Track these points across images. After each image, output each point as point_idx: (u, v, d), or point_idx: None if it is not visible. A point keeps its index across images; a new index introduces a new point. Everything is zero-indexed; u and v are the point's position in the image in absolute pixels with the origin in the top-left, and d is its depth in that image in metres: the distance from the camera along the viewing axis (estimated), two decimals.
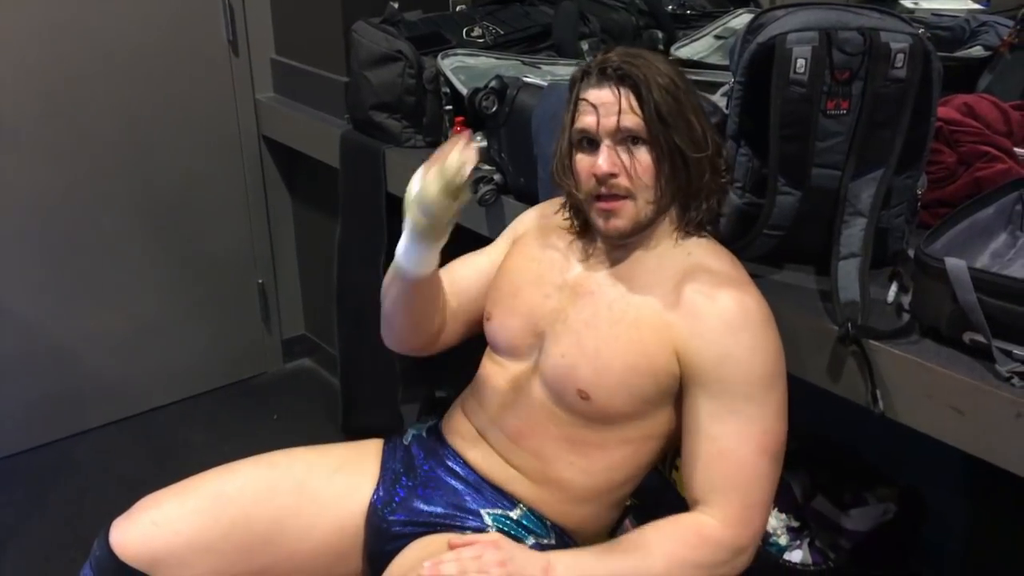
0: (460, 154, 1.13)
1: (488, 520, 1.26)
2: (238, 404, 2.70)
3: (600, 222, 1.19)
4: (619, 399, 1.20)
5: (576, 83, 1.20)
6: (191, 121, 2.47)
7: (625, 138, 1.15)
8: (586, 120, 1.17)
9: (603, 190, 1.16)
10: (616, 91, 1.14)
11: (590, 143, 1.18)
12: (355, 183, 2.11)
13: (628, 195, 1.16)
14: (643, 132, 1.14)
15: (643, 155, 1.15)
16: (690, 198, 1.20)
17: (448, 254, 1.43)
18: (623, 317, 1.19)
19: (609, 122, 1.15)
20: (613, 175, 1.15)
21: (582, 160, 1.19)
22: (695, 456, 1.16)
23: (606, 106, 1.15)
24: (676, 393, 1.20)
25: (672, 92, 1.14)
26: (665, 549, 1.14)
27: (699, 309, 1.15)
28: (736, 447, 1.14)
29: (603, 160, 1.15)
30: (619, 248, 1.24)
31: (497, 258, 1.38)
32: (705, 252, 1.21)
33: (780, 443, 1.17)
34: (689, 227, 1.22)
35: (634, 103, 1.14)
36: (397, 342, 1.40)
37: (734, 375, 1.14)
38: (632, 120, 1.14)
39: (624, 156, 1.15)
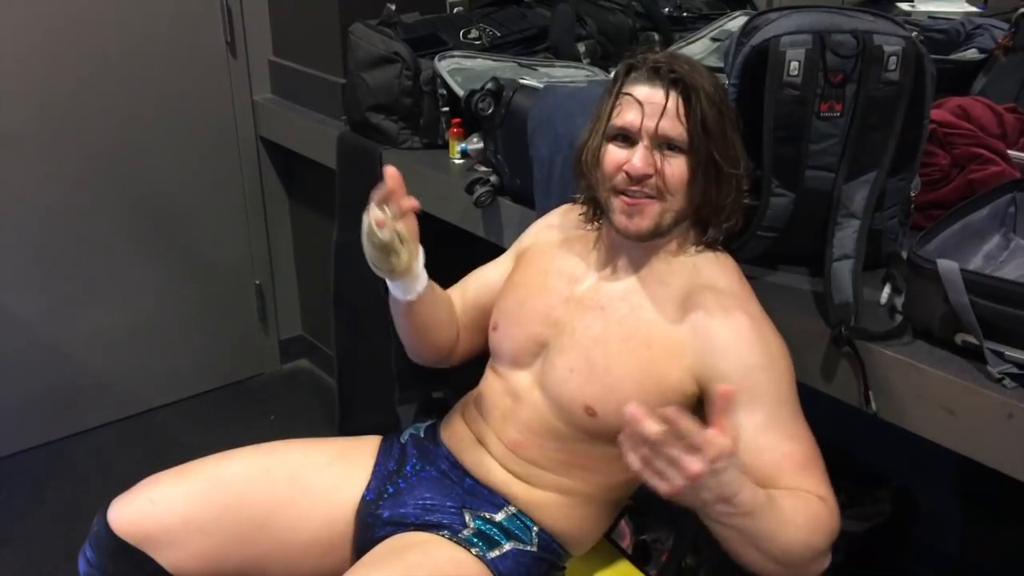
0: (368, 218, 1.15)
1: (468, 520, 1.26)
2: (235, 405, 2.70)
3: (623, 219, 1.16)
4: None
5: (620, 77, 1.17)
6: (189, 122, 2.47)
7: (663, 143, 1.13)
8: (628, 117, 1.14)
9: (633, 188, 1.14)
10: (666, 93, 1.12)
11: (625, 139, 1.16)
12: (352, 184, 2.11)
13: (658, 195, 1.15)
14: (683, 142, 1.12)
15: (679, 163, 1.13)
16: (712, 214, 1.19)
17: (462, 260, 1.43)
18: (634, 335, 1.19)
19: (652, 123, 1.12)
20: (648, 176, 1.13)
21: (613, 152, 1.16)
22: (760, 467, 1.11)
23: (653, 106, 1.12)
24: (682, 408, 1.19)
25: (717, 104, 1.12)
26: (806, 520, 1.09)
27: (712, 330, 1.14)
28: (795, 447, 1.13)
29: (639, 159, 1.13)
30: (630, 256, 1.23)
31: (505, 270, 1.38)
32: (712, 267, 1.21)
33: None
34: (703, 242, 1.21)
35: (681, 109, 1.12)
36: (414, 356, 1.42)
37: (763, 384, 1.13)
38: (675, 127, 1.12)
39: (658, 158, 1.13)
